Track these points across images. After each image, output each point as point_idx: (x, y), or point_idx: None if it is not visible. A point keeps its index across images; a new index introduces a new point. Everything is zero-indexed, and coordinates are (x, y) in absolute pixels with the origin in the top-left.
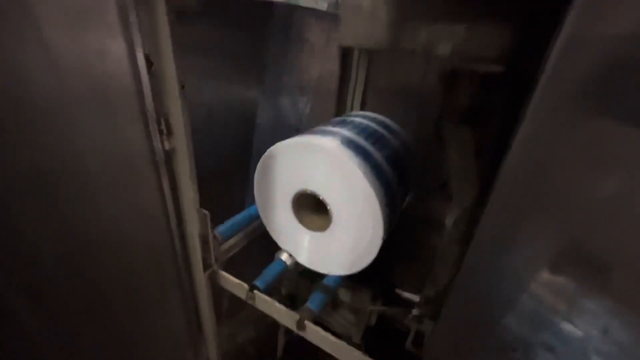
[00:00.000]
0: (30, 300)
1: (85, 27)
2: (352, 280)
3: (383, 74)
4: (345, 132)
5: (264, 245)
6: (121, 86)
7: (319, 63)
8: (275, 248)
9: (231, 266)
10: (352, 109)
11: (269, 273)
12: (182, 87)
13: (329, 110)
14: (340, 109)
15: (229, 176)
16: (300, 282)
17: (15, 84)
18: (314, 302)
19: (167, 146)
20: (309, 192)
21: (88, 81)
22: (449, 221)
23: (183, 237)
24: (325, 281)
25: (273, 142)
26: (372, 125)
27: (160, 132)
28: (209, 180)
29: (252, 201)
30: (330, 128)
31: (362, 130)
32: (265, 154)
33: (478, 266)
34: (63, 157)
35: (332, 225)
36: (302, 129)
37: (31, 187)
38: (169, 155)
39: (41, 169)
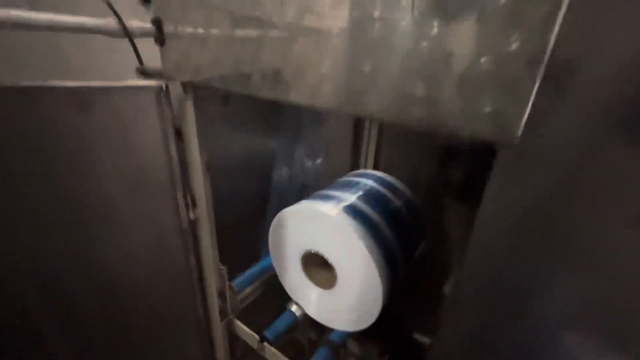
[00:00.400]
0: (60, 329)
1: (129, 128)
2: (361, 332)
3: (393, 137)
4: (348, 195)
5: (278, 291)
6: (158, 171)
7: (332, 126)
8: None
9: (247, 311)
10: (365, 167)
11: (279, 324)
12: (207, 168)
13: (342, 168)
14: (353, 167)
15: (248, 228)
16: (316, 328)
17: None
18: (318, 358)
19: (192, 216)
20: (316, 252)
21: (130, 167)
22: (448, 288)
23: (203, 290)
24: (331, 336)
25: (287, 197)
26: (376, 186)
27: (187, 205)
28: (229, 232)
29: (268, 250)
30: (334, 192)
31: (365, 193)
32: (275, 219)
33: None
34: (108, 227)
35: (337, 284)
36: (315, 187)
37: (78, 244)
38: (194, 224)
39: (89, 237)
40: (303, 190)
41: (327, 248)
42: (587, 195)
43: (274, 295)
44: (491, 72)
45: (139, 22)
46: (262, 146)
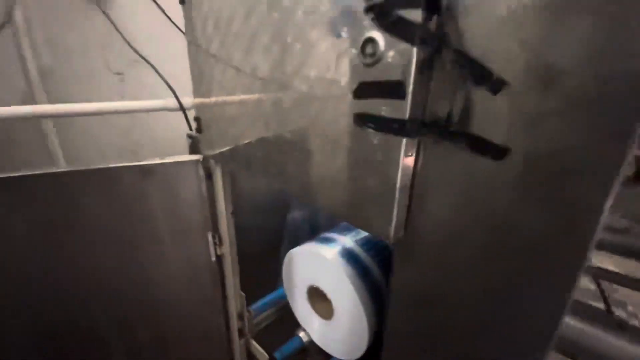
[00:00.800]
0: (118, 335)
1: (175, 188)
2: None
3: None
4: (347, 239)
5: (290, 318)
6: (194, 218)
7: None
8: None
9: (263, 333)
10: None
11: (288, 347)
12: (232, 213)
13: None
14: None
15: (266, 262)
16: (324, 355)
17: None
18: None
19: (218, 252)
20: (317, 287)
21: (175, 215)
22: None
23: (226, 312)
24: None
25: (300, 236)
26: None
27: (215, 244)
28: (250, 265)
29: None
30: (336, 235)
31: (362, 237)
32: (286, 256)
33: None
34: (158, 259)
35: (334, 316)
36: (325, 227)
37: (135, 270)
38: (220, 258)
39: (143, 265)
40: (314, 230)
41: (326, 284)
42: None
43: (287, 321)
44: (370, 197)
45: (188, 99)
46: (280, 193)
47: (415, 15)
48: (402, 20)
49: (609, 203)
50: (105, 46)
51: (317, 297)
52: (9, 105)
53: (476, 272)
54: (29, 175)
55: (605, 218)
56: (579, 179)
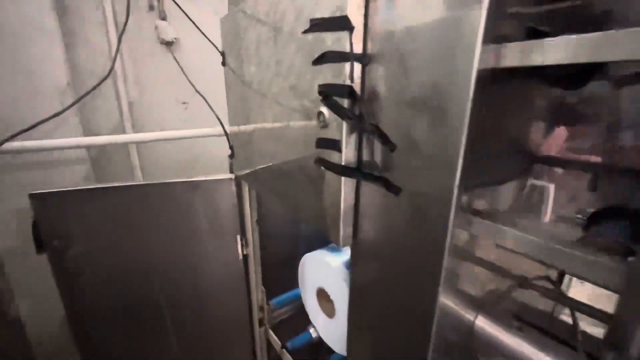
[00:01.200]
0: (171, 314)
1: (214, 200)
2: None
3: None
4: None
5: (303, 315)
6: (227, 224)
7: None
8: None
9: (280, 325)
10: None
11: (299, 339)
12: (257, 222)
13: None
14: None
15: (289, 263)
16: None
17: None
18: None
19: (244, 252)
20: (323, 289)
21: (213, 220)
22: None
23: (250, 303)
24: (333, 357)
25: (315, 243)
26: None
27: (242, 245)
28: (276, 265)
29: None
30: None
31: None
32: (301, 260)
33: None
34: (200, 255)
35: (335, 316)
36: None
37: (184, 262)
38: (245, 257)
39: (187, 259)
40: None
41: (330, 287)
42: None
43: (300, 318)
44: (328, 214)
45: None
46: None
47: (344, 101)
48: (337, 104)
49: (451, 223)
50: (174, 82)
51: (323, 297)
52: (107, 132)
53: (394, 265)
54: (117, 187)
55: (452, 233)
56: (434, 208)
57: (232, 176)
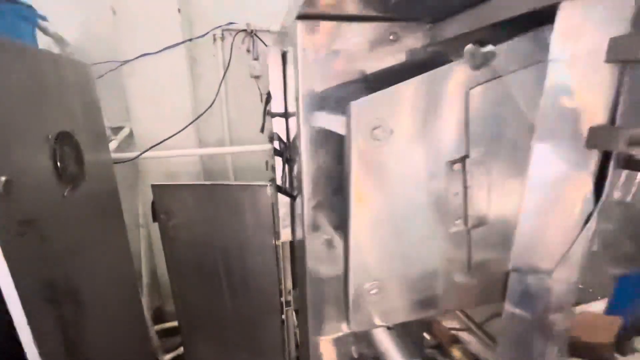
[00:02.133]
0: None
1: (255, 201)
2: None
3: None
4: None
5: None
6: (265, 221)
7: None
8: None
9: None
10: None
11: None
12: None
13: None
14: None
15: None
16: None
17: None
18: None
19: (277, 243)
20: None
21: (255, 217)
22: None
23: (281, 286)
24: None
25: None
26: None
27: (275, 237)
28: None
29: None
30: None
31: None
32: None
33: None
34: (245, 244)
35: None
36: None
37: (234, 248)
38: (278, 246)
39: (235, 249)
40: None
41: None
42: None
43: None
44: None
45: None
46: None
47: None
48: (276, 150)
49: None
50: (259, 103)
51: None
52: (214, 143)
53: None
54: (197, 184)
55: None
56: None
57: (269, 183)
